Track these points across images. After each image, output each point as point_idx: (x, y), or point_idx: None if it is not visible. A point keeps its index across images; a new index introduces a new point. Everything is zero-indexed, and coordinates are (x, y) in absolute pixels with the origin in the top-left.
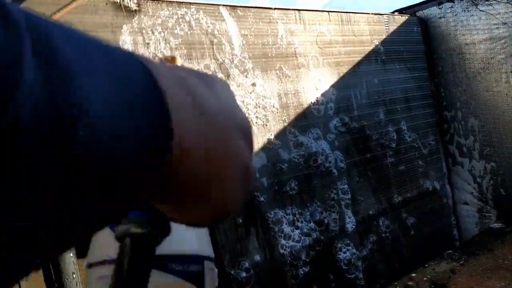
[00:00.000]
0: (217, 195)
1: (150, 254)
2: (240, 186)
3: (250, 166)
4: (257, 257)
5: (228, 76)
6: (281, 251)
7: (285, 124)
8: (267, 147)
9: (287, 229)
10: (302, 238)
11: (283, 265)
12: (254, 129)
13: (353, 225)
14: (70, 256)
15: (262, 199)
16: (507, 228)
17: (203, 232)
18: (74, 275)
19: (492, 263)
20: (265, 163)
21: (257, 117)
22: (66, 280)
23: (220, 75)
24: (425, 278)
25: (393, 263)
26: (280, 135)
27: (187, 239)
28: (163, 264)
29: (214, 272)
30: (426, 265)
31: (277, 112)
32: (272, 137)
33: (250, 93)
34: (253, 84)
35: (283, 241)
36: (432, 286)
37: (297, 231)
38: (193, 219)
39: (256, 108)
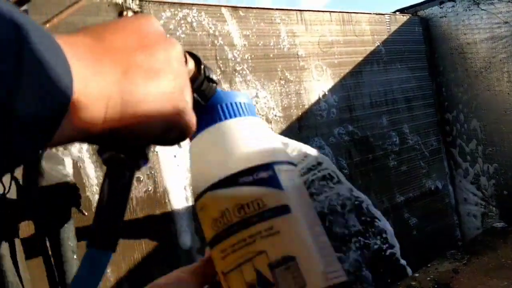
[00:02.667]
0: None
1: (131, 177)
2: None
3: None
4: None
5: (230, 80)
6: None
7: (288, 129)
8: None
9: None
10: None
11: None
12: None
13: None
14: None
15: None
16: (509, 227)
17: (270, 139)
18: (74, 256)
19: (495, 262)
20: None
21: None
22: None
23: (221, 76)
24: (428, 278)
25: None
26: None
27: (254, 152)
28: (232, 181)
29: (292, 171)
30: (429, 265)
31: (279, 118)
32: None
33: (252, 98)
34: (256, 96)
35: None
36: (435, 286)
37: None
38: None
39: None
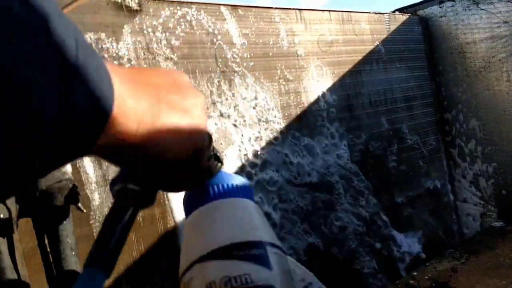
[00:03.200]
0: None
1: (135, 213)
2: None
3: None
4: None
5: (229, 79)
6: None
7: (287, 128)
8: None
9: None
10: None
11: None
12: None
13: (355, 225)
14: (69, 229)
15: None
16: (508, 226)
17: (264, 223)
18: (73, 253)
19: (494, 261)
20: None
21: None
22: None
23: (221, 75)
24: (426, 277)
25: (394, 262)
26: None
27: (248, 229)
28: (223, 254)
29: (281, 256)
30: (428, 264)
31: (278, 117)
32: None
33: (251, 101)
34: (255, 97)
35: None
36: (434, 285)
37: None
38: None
39: (258, 117)
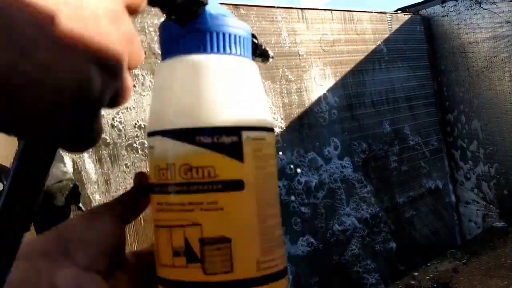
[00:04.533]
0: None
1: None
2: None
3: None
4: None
5: None
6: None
7: (288, 128)
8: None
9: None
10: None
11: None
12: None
13: (355, 225)
14: None
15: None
16: (510, 227)
17: (255, 94)
18: None
19: (495, 262)
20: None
21: None
22: None
23: None
24: (427, 277)
25: (395, 262)
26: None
27: (224, 108)
28: (187, 137)
29: (263, 139)
30: (429, 264)
31: (279, 117)
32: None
33: None
34: None
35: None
36: (435, 285)
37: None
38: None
39: None
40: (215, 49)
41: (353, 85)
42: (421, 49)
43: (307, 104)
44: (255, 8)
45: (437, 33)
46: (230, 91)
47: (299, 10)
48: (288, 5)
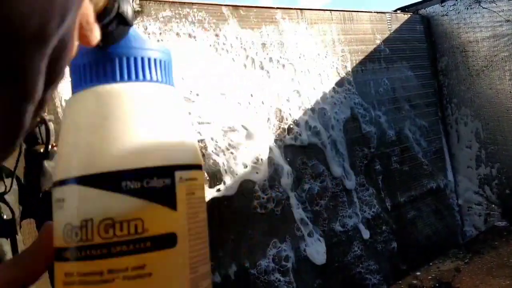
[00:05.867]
0: None
1: None
2: None
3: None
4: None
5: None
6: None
7: (288, 132)
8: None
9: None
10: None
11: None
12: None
13: (357, 225)
14: None
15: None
16: (511, 226)
17: (183, 125)
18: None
19: (497, 261)
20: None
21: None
22: None
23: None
24: (429, 277)
25: (397, 262)
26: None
27: (146, 146)
28: (114, 182)
29: (197, 179)
30: (431, 264)
31: (276, 127)
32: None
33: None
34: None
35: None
36: (437, 285)
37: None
38: None
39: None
40: (140, 77)
41: (353, 85)
42: (421, 49)
43: (308, 104)
44: (254, 9)
45: (437, 33)
46: (157, 124)
47: (298, 11)
48: (288, 5)
